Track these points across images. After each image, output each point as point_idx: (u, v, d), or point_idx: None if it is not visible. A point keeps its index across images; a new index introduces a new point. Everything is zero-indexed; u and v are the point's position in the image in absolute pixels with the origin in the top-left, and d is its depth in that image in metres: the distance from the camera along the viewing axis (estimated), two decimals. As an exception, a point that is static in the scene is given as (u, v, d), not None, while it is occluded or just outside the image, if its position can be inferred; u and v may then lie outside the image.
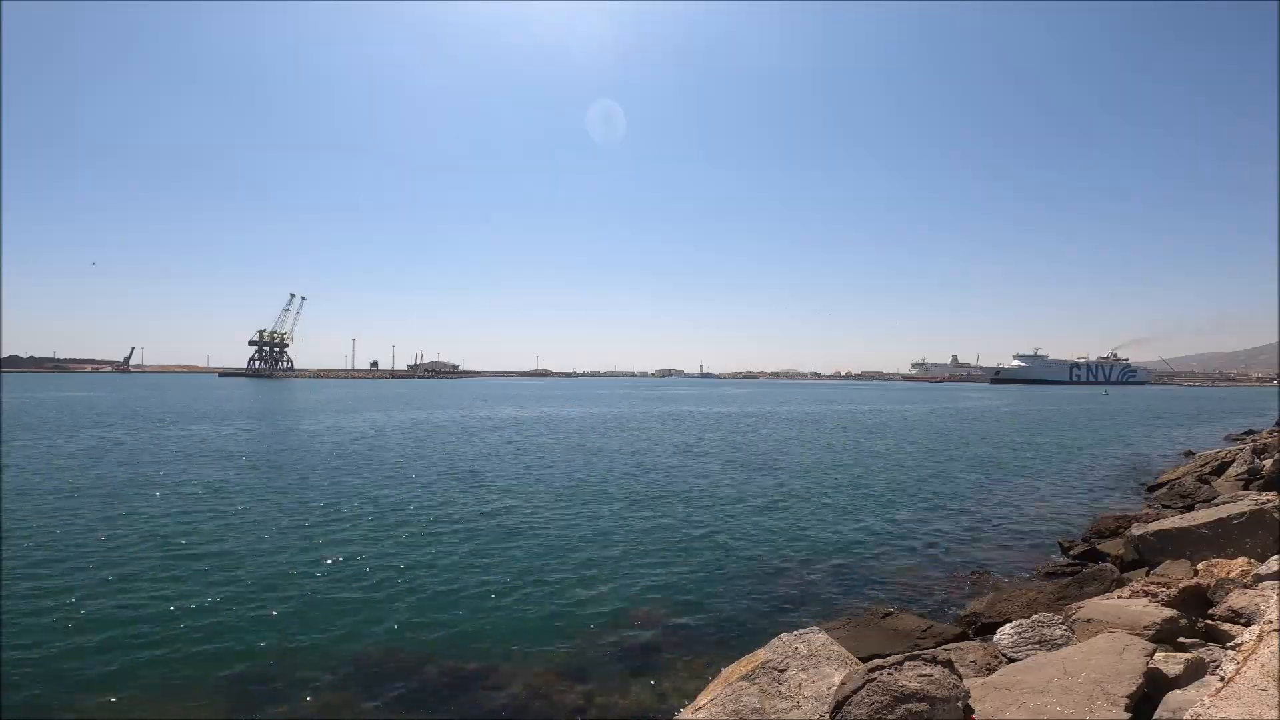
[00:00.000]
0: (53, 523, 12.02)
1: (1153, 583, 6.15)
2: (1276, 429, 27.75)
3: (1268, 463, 14.33)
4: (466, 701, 6.00)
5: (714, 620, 7.96)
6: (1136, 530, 8.64)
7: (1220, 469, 16.10)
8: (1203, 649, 4.54)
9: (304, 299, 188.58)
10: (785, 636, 4.77)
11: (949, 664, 3.68)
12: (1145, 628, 4.74)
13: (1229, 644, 4.35)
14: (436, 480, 17.28)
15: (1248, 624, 4.64)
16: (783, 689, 4.23)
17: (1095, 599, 6.04)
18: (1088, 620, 5.19)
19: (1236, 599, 5.15)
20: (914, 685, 3.43)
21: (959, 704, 3.42)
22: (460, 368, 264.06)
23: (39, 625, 7.41)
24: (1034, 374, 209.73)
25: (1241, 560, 5.89)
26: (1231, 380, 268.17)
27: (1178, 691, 3.68)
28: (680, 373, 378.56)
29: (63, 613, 7.78)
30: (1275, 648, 3.06)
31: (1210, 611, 5.24)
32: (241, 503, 14.06)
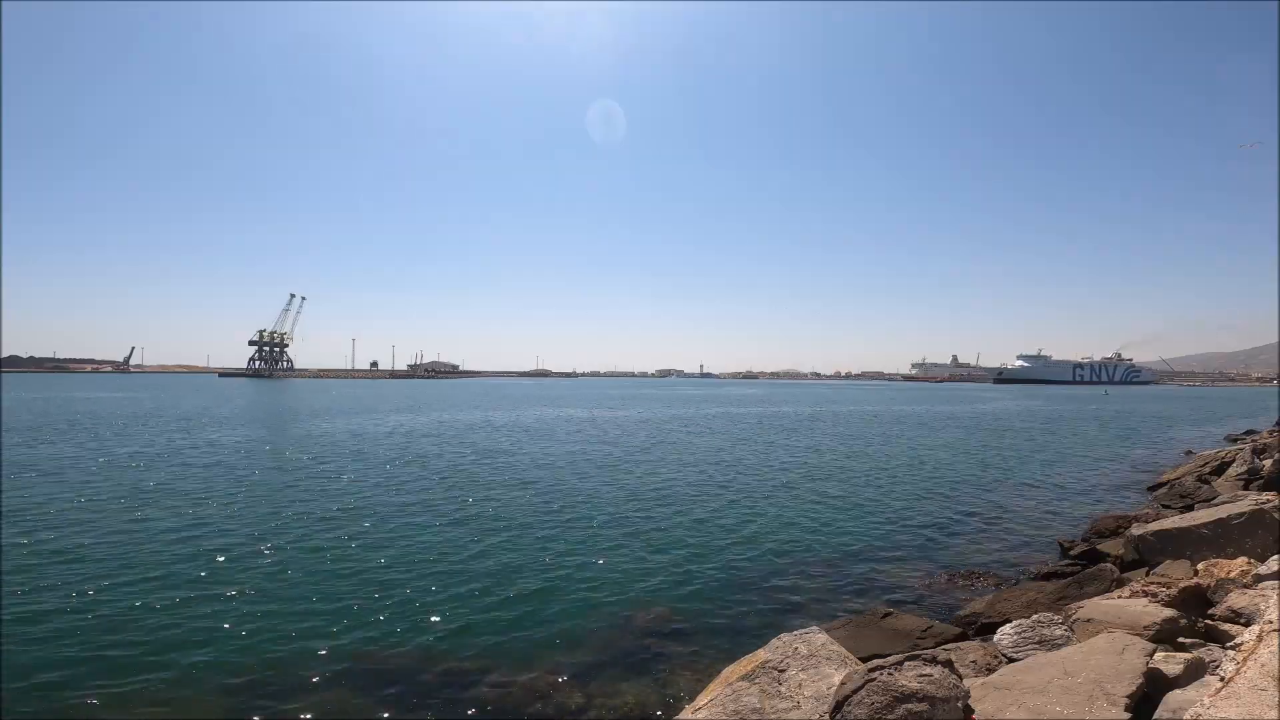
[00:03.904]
0: (55, 525, 12.03)
1: (1153, 583, 6.15)
2: (1276, 429, 27.74)
3: (1268, 463, 14.32)
4: (466, 701, 6.00)
5: (714, 620, 7.96)
6: (1136, 530, 8.64)
7: (1220, 469, 16.10)
8: (1203, 649, 4.54)
9: (304, 299, 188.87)
10: (785, 636, 4.77)
11: (949, 664, 3.67)
12: (1145, 628, 4.74)
13: (1229, 644, 4.35)
14: (437, 481, 17.28)
15: (1248, 624, 4.64)
16: (783, 689, 4.23)
17: (1095, 599, 6.04)
18: (1088, 620, 5.19)
19: (1236, 599, 5.14)
20: (914, 685, 3.43)
21: (959, 704, 3.42)
22: (460, 368, 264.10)
23: (40, 626, 7.41)
24: (1037, 374, 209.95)
25: (1241, 560, 5.89)
26: (1231, 380, 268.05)
27: (1178, 691, 3.68)
28: (680, 373, 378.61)
29: (63, 613, 7.79)
30: (1275, 648, 3.06)
31: (1210, 611, 5.24)
32: (242, 504, 14.07)
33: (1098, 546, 9.99)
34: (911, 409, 59.87)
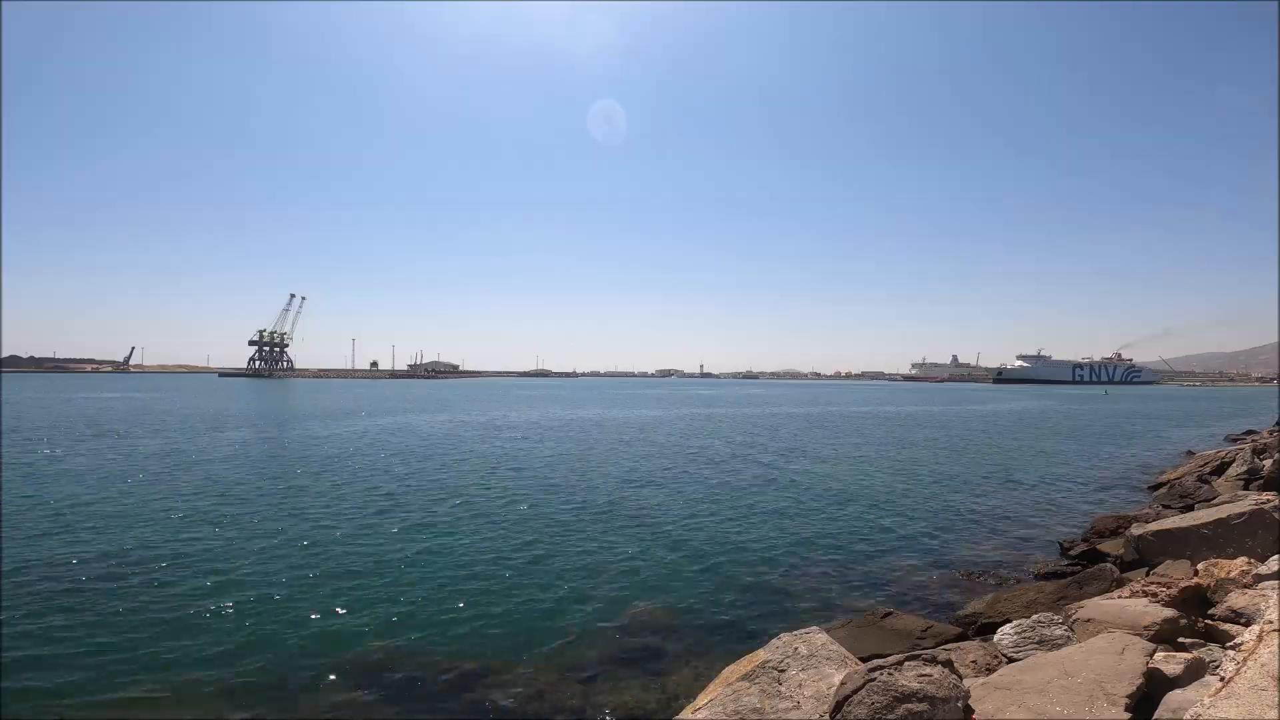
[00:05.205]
0: (56, 524, 12.03)
1: (1153, 583, 6.15)
2: (1276, 429, 27.74)
3: (1268, 463, 14.32)
4: (466, 701, 6.00)
5: (714, 620, 7.96)
6: (1136, 530, 8.64)
7: (1220, 469, 16.10)
8: (1203, 649, 4.54)
9: (304, 299, 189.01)
10: (785, 636, 4.76)
11: (949, 664, 3.67)
12: (1145, 628, 4.74)
13: (1229, 644, 4.35)
14: (434, 483, 17.28)
15: (1248, 624, 4.64)
16: (783, 689, 4.22)
17: (1095, 599, 6.04)
18: (1088, 620, 5.19)
19: (1236, 599, 5.14)
20: (914, 685, 3.42)
21: (959, 704, 3.41)
22: (460, 368, 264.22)
23: (40, 625, 7.41)
24: (1037, 374, 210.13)
25: (1241, 560, 5.88)
26: (1231, 380, 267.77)
27: (1178, 691, 3.68)
28: (680, 373, 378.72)
29: (64, 613, 7.78)
30: (1275, 648, 3.06)
31: (1210, 611, 5.24)
32: (244, 504, 14.07)
33: (1098, 546, 9.99)
34: (911, 409, 59.86)
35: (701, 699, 4.56)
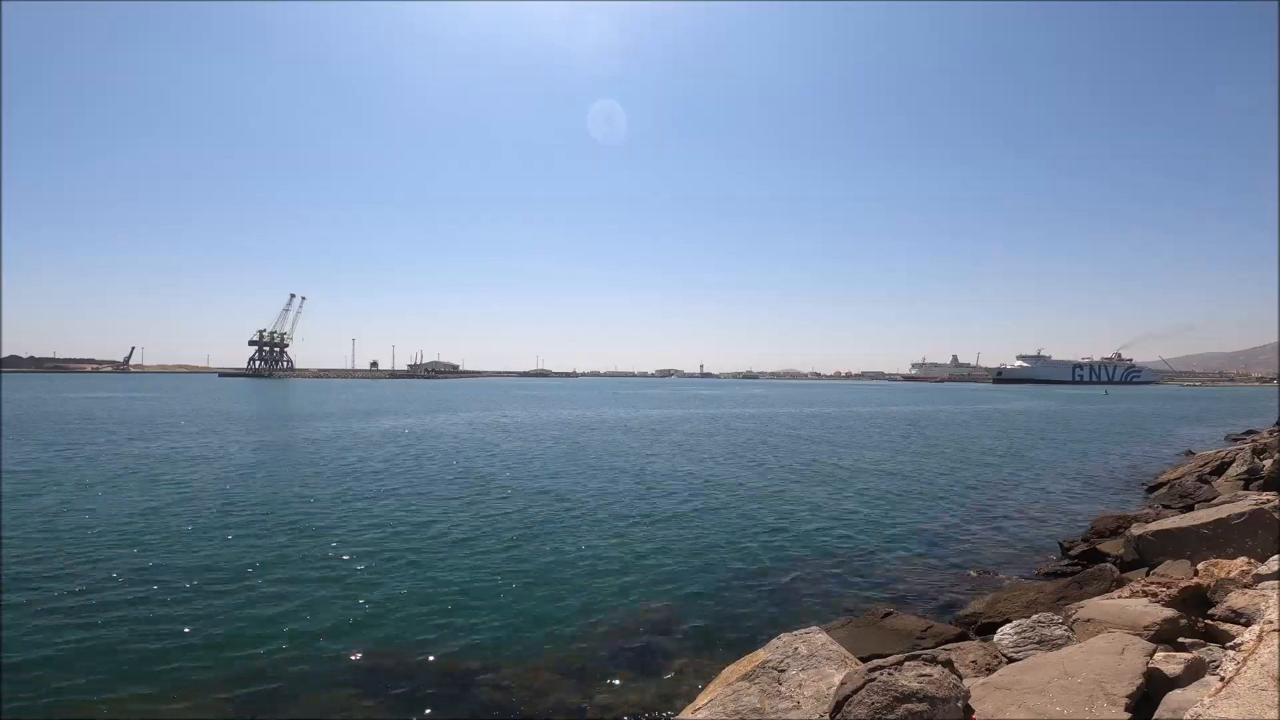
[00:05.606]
0: (58, 524, 12.03)
1: (1153, 583, 6.15)
2: (1276, 429, 27.74)
3: (1268, 463, 14.32)
4: (466, 701, 6.00)
5: (714, 620, 7.96)
6: (1136, 530, 8.64)
7: (1220, 469, 16.11)
8: (1203, 649, 4.54)
9: (304, 299, 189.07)
10: (785, 636, 4.76)
11: (949, 664, 3.67)
12: (1145, 628, 4.74)
13: (1229, 644, 4.36)
14: (437, 483, 17.28)
15: (1248, 624, 4.64)
16: (783, 689, 4.22)
17: (1095, 599, 6.04)
18: (1088, 620, 5.19)
19: (1236, 599, 5.15)
20: (914, 685, 3.43)
21: (959, 704, 3.41)
22: (460, 368, 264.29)
23: (40, 626, 7.41)
24: (1036, 374, 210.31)
25: (1241, 560, 5.88)
26: (1231, 380, 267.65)
27: (1178, 691, 3.68)
28: (680, 373, 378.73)
29: (64, 613, 7.78)
30: (1275, 648, 3.06)
31: (1210, 611, 5.24)
32: (245, 505, 14.06)
33: (1098, 546, 9.99)
34: (911, 409, 59.86)
35: (701, 699, 4.57)
